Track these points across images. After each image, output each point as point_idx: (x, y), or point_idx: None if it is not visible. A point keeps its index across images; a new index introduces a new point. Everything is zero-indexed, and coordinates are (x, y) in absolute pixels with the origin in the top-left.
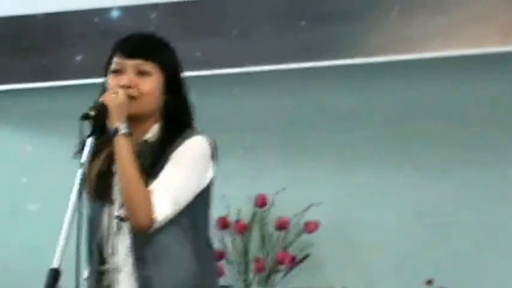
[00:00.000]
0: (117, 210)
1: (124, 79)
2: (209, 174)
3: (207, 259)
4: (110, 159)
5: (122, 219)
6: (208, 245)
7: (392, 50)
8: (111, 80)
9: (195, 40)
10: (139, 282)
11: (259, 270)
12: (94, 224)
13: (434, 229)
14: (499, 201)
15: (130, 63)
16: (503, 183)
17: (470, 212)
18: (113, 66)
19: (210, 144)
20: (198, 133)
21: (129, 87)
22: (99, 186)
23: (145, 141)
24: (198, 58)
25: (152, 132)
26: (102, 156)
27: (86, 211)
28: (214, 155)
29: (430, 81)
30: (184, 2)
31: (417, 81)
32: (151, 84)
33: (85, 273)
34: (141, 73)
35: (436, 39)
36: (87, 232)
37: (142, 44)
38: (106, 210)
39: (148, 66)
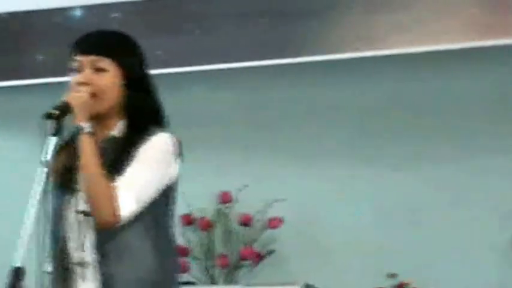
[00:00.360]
0: (81, 205)
1: (80, 76)
2: (172, 172)
3: (168, 256)
4: (75, 154)
5: (86, 214)
6: (171, 242)
7: (354, 47)
8: (72, 78)
9: (157, 39)
10: (102, 279)
11: (224, 266)
12: (57, 218)
13: (397, 224)
14: (469, 197)
15: (86, 60)
16: (472, 179)
17: (437, 207)
18: (72, 64)
19: (175, 141)
20: (163, 130)
21: (86, 84)
22: (64, 180)
23: (112, 137)
24: (159, 56)
25: (118, 128)
26: (68, 151)
27: (48, 207)
28: (178, 153)
29: (394, 76)
30: (147, 0)
31: (381, 77)
32: (107, 80)
33: (47, 267)
34: (98, 69)
35: (399, 35)
36: (50, 226)
37: (98, 41)
38: (70, 205)
39: (103, 62)
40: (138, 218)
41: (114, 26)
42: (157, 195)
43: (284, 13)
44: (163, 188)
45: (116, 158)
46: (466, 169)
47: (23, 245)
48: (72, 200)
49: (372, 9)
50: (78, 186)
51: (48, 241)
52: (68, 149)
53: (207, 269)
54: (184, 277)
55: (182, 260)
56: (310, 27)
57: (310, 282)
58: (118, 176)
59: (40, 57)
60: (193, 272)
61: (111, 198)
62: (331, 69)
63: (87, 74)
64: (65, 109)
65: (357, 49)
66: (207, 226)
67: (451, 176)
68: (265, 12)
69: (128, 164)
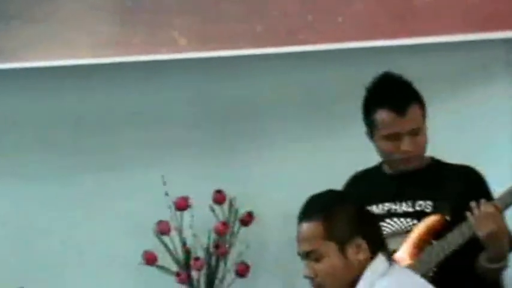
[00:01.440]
0: None
1: None
2: None
3: None
4: None
5: None
6: None
7: None
8: None
9: None
10: None
11: None
12: None
13: (18, 235)
14: (100, 212)
15: None
16: (102, 194)
17: (68, 222)
18: None
19: None
20: None
21: None
22: None
23: None
24: None
25: None
26: None
27: None
28: None
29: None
30: None
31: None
32: None
33: None
34: None
35: (31, 49)
36: None
37: None
38: None
39: None
40: None
41: None
42: None
43: None
44: None
45: None
46: (98, 185)
47: None
48: None
49: (5, 21)
50: None
51: None
52: None
53: None
54: None
55: None
56: None
57: None
58: None
59: None
60: None
61: None
62: None
63: None
64: None
65: None
66: None
67: (82, 192)
68: None
69: None
